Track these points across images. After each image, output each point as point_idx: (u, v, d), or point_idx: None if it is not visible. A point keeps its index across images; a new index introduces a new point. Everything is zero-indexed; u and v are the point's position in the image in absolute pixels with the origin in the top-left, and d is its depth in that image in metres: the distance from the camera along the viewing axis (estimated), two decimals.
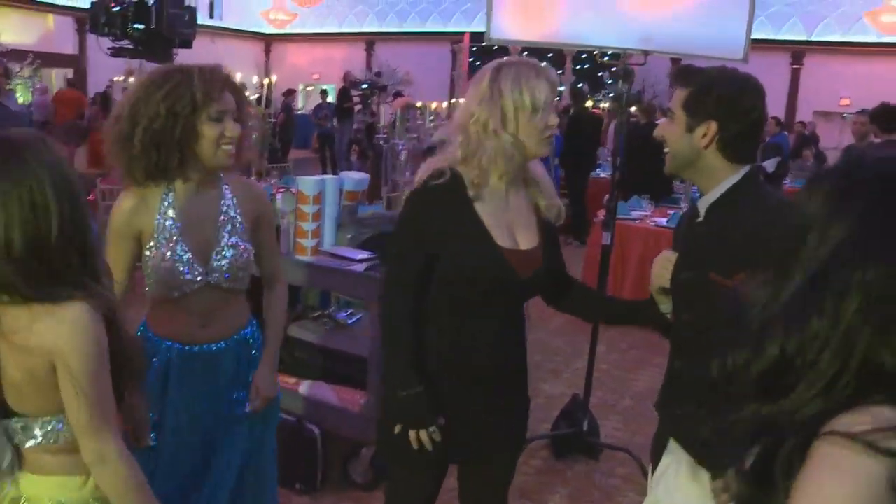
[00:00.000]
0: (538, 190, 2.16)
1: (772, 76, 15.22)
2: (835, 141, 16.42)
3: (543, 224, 2.16)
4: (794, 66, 16.74)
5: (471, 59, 18.73)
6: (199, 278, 2.15)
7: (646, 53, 3.55)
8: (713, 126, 1.85)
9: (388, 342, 2.10)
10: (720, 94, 1.85)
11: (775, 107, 14.76)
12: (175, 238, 2.12)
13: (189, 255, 2.13)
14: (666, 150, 1.94)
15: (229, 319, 2.28)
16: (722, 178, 1.89)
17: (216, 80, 2.08)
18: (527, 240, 2.11)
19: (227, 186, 2.23)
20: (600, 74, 18.46)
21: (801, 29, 17.21)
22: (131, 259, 2.16)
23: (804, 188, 0.96)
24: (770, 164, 11.18)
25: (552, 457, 3.88)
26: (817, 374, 0.88)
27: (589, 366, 3.93)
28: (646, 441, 4.26)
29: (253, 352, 2.34)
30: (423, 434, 2.04)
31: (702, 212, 1.94)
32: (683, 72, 1.95)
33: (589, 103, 11.88)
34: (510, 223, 2.09)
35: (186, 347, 2.22)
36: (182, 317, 2.20)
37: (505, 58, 2.09)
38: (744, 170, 1.89)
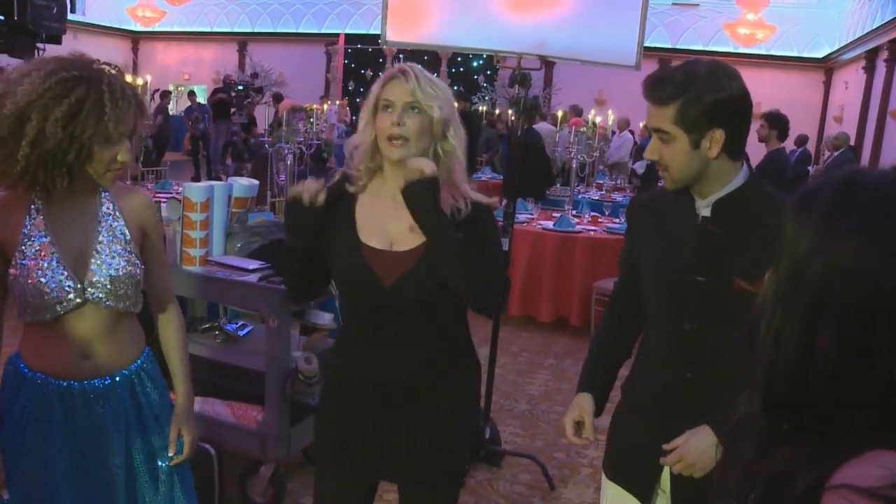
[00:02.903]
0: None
1: (640, 82, 15.75)
2: None
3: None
4: None
5: (346, 61, 18.65)
6: (73, 296, 1.85)
7: (541, 58, 3.56)
8: (718, 133, 1.69)
9: None
10: (715, 98, 1.67)
11: (644, 112, 15.34)
12: (44, 251, 1.84)
13: (62, 268, 1.84)
14: (662, 170, 1.77)
15: (118, 349, 1.97)
16: (731, 177, 1.75)
17: (127, 102, 1.77)
18: (405, 241, 1.93)
19: (105, 193, 1.93)
20: (475, 77, 18.80)
21: (667, 38, 17.98)
22: None
23: (792, 210, 0.90)
24: (640, 167, 11.61)
25: None
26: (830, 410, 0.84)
27: (489, 373, 3.90)
28: (545, 445, 4.34)
29: (148, 388, 2.03)
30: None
31: (703, 210, 1.79)
32: (656, 84, 1.73)
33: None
34: (388, 221, 1.95)
35: (64, 384, 1.91)
36: (58, 345, 1.89)
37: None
38: (744, 166, 1.78)
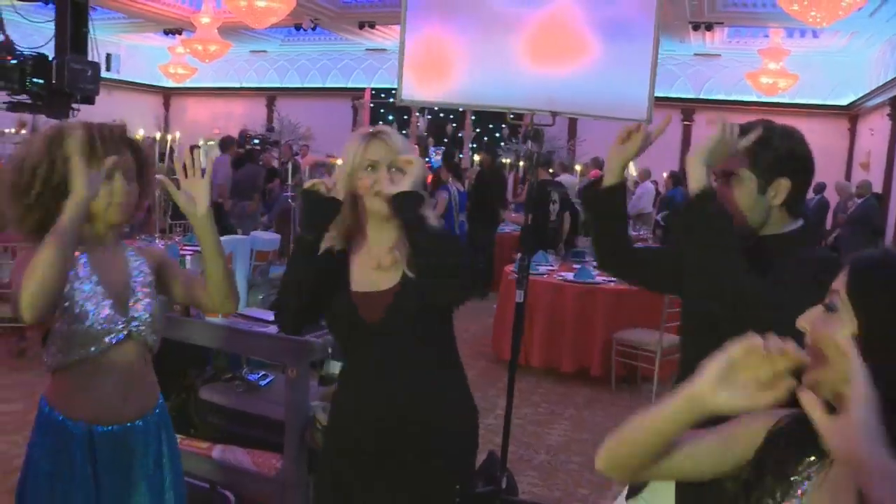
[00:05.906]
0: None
1: (666, 132, 15.77)
2: None
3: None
4: (685, 123, 17.50)
5: (372, 114, 19.01)
6: (120, 327, 2.02)
7: (553, 114, 3.66)
8: (784, 183, 1.81)
9: None
10: (787, 148, 1.81)
11: (670, 161, 15.40)
12: (92, 288, 2.02)
13: (109, 302, 2.02)
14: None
15: (146, 391, 2.13)
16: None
17: (114, 140, 2.03)
18: (385, 281, 2.06)
19: (128, 249, 2.20)
20: (502, 127, 19.01)
21: (690, 88, 18.10)
22: None
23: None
24: (664, 217, 11.63)
25: None
26: None
27: (506, 422, 3.93)
28: (563, 495, 4.34)
29: (167, 431, 2.19)
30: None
31: None
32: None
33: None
34: (371, 267, 2.08)
35: (108, 429, 2.03)
36: (101, 384, 2.01)
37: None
38: (799, 222, 1.88)
